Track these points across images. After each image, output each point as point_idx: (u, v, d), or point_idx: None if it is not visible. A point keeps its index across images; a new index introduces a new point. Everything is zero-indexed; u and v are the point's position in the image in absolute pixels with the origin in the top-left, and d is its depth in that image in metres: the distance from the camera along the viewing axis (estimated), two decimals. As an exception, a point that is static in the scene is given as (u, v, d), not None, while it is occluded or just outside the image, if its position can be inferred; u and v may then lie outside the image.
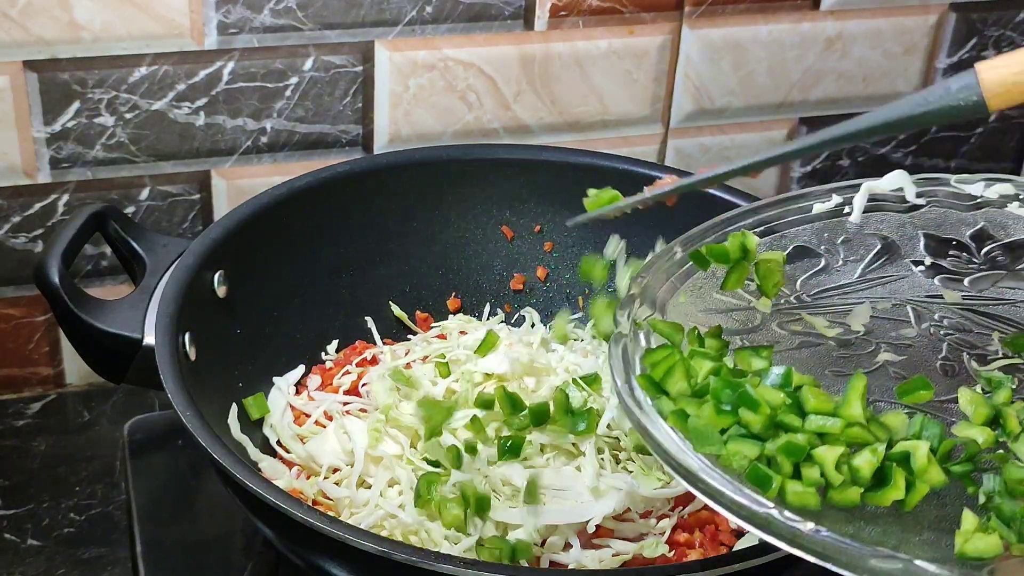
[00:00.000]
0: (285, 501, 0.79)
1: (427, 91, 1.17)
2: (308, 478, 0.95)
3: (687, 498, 0.95)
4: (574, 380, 0.98)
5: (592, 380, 0.98)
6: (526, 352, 1.02)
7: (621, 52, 1.21)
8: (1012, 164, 1.42)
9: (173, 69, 1.10)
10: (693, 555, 0.91)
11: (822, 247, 0.88)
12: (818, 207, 0.89)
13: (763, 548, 0.80)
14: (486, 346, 1.01)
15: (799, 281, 0.87)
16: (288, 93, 1.14)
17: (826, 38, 1.27)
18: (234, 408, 0.96)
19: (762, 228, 0.88)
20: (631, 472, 0.93)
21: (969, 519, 0.71)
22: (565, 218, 1.12)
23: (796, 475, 0.72)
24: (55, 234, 0.96)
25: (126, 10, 1.06)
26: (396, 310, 1.10)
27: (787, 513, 0.69)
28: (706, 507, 0.95)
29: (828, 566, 0.68)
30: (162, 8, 1.07)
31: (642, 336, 0.81)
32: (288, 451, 0.98)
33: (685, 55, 1.23)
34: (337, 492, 0.93)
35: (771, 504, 0.70)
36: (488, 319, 1.12)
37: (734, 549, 0.93)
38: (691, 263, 0.85)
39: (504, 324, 1.11)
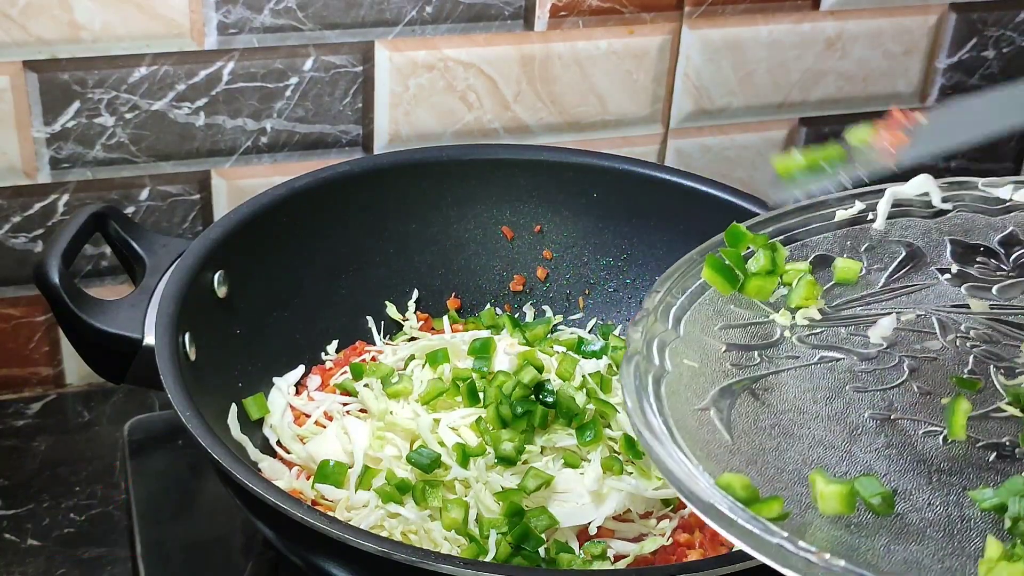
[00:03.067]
0: (285, 501, 0.79)
1: (427, 91, 1.17)
2: (308, 478, 0.95)
3: (687, 498, 0.95)
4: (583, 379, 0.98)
5: (597, 379, 0.99)
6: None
7: (621, 52, 1.21)
8: (1012, 164, 1.42)
9: (173, 69, 1.10)
10: (693, 555, 0.91)
11: (845, 255, 0.85)
12: (841, 214, 0.86)
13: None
14: (483, 352, 1.01)
15: (820, 292, 0.83)
16: (288, 93, 1.14)
17: (826, 38, 1.27)
18: (234, 408, 0.96)
19: (783, 237, 0.85)
20: (631, 473, 0.93)
21: (993, 546, 0.65)
22: (565, 218, 1.12)
23: None
24: (55, 234, 0.96)
25: (126, 10, 1.06)
26: (392, 311, 1.10)
27: (801, 543, 0.66)
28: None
29: None
30: (162, 8, 1.07)
31: (655, 354, 0.77)
32: (288, 451, 0.98)
33: (685, 55, 1.23)
34: (336, 493, 0.93)
35: (784, 533, 0.66)
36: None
37: (734, 549, 0.93)
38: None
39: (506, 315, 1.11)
